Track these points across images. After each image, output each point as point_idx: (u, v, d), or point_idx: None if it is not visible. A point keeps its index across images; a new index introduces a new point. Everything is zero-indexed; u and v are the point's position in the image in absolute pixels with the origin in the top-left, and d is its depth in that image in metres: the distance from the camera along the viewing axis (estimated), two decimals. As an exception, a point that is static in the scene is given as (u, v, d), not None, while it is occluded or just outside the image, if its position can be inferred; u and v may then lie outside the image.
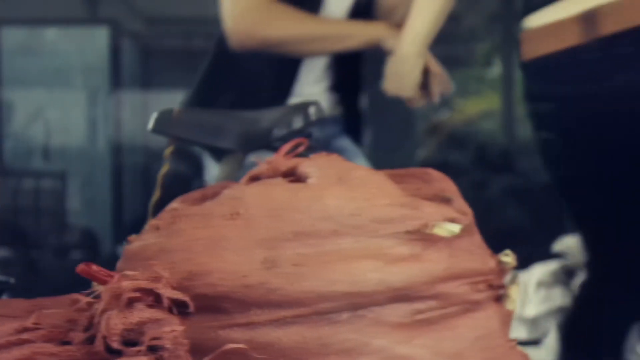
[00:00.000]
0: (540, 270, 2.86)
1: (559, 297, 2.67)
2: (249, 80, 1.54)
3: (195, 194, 1.01)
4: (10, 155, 5.27)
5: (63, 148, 5.24)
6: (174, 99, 5.47)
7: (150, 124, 1.33)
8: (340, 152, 1.21)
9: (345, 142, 1.59)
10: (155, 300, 0.76)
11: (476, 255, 1.03)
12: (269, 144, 1.28)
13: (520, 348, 1.09)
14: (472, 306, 1.01)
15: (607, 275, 1.62)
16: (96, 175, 5.32)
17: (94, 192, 5.12)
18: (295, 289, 0.89)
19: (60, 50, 5.43)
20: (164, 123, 1.32)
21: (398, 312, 0.94)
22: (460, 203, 1.03)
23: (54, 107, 5.35)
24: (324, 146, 1.33)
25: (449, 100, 5.21)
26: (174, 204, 0.98)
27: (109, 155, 5.26)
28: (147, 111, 5.10)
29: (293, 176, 1.02)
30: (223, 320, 0.89)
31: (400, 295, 0.94)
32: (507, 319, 1.07)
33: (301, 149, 1.10)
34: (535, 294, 2.75)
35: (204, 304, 0.89)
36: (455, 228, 0.98)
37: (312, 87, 1.52)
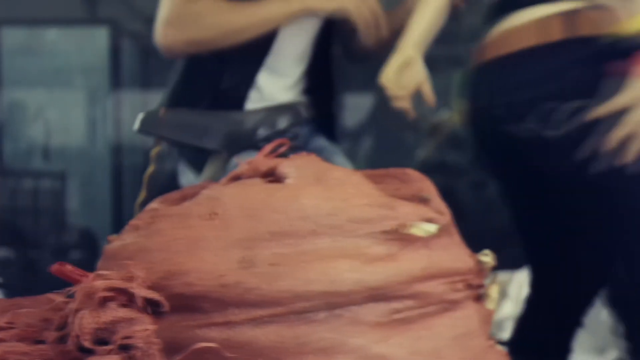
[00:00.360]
0: (535, 270, 2.86)
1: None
2: (221, 87, 1.53)
3: (175, 194, 1.02)
4: (10, 155, 5.28)
5: (63, 148, 5.24)
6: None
7: (136, 125, 1.34)
8: (319, 151, 1.22)
9: (323, 142, 1.59)
10: (129, 299, 0.77)
11: (454, 254, 1.04)
12: (254, 145, 1.29)
13: (500, 347, 1.10)
14: (450, 305, 1.01)
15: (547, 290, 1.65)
16: (96, 175, 5.32)
17: (94, 192, 5.13)
18: (272, 289, 0.90)
19: (60, 50, 5.44)
20: (150, 123, 1.33)
21: (375, 311, 0.95)
22: (438, 203, 1.03)
23: (54, 107, 5.35)
24: (303, 146, 1.34)
25: (449, 101, 5.20)
26: (154, 204, 0.99)
27: (109, 155, 5.27)
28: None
29: (273, 176, 1.03)
30: (201, 320, 0.90)
31: (378, 295, 0.94)
32: (486, 318, 1.08)
33: (283, 149, 1.11)
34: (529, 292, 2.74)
35: (182, 303, 0.90)
36: (432, 228, 0.98)
37: (287, 92, 1.51)
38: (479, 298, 1.08)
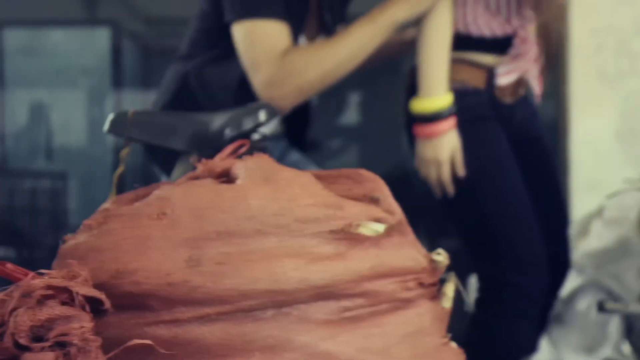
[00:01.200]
0: (524, 269, 2.87)
1: (542, 295, 2.68)
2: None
3: (129, 194, 1.04)
4: (12, 155, 5.32)
5: (64, 148, 5.28)
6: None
7: (106, 126, 1.36)
8: (294, 165, 1.23)
9: (297, 156, 1.63)
10: (70, 298, 0.79)
11: (406, 254, 1.05)
12: (221, 145, 1.31)
13: (455, 344, 1.11)
14: (402, 304, 1.03)
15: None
16: (97, 175, 5.35)
17: (95, 192, 5.16)
18: (217, 287, 0.92)
19: (61, 50, 5.48)
20: (119, 125, 1.35)
21: (325, 309, 0.96)
22: (389, 203, 1.05)
23: (55, 108, 5.39)
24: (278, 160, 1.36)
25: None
26: (106, 204, 1.01)
27: (110, 156, 5.30)
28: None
29: (227, 177, 1.05)
30: (149, 317, 0.92)
31: (325, 293, 0.96)
32: (442, 316, 1.09)
33: (243, 150, 1.13)
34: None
35: (131, 302, 0.92)
36: (380, 228, 1.00)
37: None
38: (435, 297, 1.10)
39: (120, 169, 1.36)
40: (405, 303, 1.04)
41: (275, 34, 1.53)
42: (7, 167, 5.18)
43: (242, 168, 1.01)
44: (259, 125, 1.34)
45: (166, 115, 1.37)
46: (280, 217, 0.96)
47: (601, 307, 1.78)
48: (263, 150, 1.32)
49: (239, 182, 0.99)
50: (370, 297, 1.00)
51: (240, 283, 0.92)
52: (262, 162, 1.02)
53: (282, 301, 0.94)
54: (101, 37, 5.35)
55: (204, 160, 1.07)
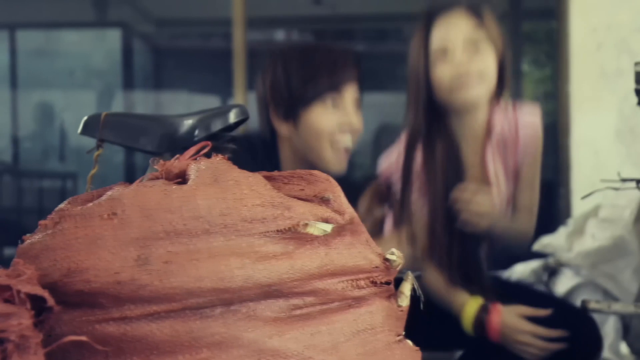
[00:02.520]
0: (521, 269, 2.87)
1: (537, 295, 2.69)
2: None
3: (85, 195, 1.07)
4: (24, 156, 5.37)
5: (76, 149, 5.34)
6: (184, 99, 5.54)
7: (80, 128, 1.38)
8: None
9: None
10: (13, 295, 0.81)
11: (358, 253, 1.07)
12: (190, 146, 1.33)
13: (410, 342, 1.13)
14: (354, 302, 1.05)
15: None
16: (109, 176, 5.40)
17: (106, 192, 5.20)
18: (164, 285, 0.94)
19: (73, 52, 5.53)
20: (92, 127, 1.37)
21: (274, 307, 0.99)
22: (340, 203, 1.07)
23: (67, 108, 5.44)
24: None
25: None
26: (62, 204, 1.04)
27: (121, 156, 5.35)
28: (159, 111, 5.19)
29: (183, 178, 1.07)
30: (99, 315, 0.94)
31: (273, 292, 0.98)
32: (397, 314, 1.10)
33: (204, 151, 1.15)
34: (514, 292, 2.76)
35: (81, 300, 0.95)
36: (328, 227, 1.02)
37: None
38: (391, 295, 1.11)
39: (93, 170, 1.38)
40: (357, 301, 1.05)
41: None
42: (18, 167, 5.25)
43: (194, 169, 1.03)
44: (229, 126, 1.36)
45: (137, 117, 1.39)
46: (227, 216, 0.98)
47: (584, 307, 1.78)
48: (232, 151, 1.35)
49: (189, 182, 1.01)
50: (320, 295, 1.01)
51: (186, 281, 0.94)
52: (213, 163, 1.04)
53: (229, 299, 0.96)
54: (112, 39, 5.40)
55: (161, 162, 1.09)
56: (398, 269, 1.12)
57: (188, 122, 1.33)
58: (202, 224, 0.97)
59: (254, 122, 1.70)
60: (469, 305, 1.87)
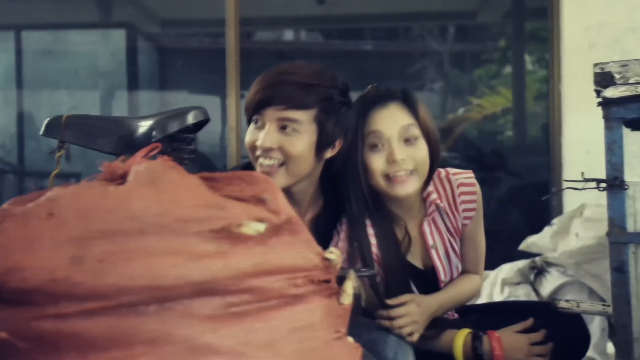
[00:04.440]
0: (507, 269, 2.88)
1: (523, 295, 2.70)
2: None
3: (29, 195, 1.10)
4: (31, 156, 5.42)
5: (81, 149, 5.36)
6: (189, 99, 5.57)
7: (42, 130, 1.42)
8: None
9: None
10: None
11: (296, 252, 1.09)
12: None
13: (351, 339, 1.15)
14: (292, 300, 1.07)
15: None
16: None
17: (110, 191, 5.24)
18: (98, 283, 0.97)
19: (79, 52, 5.57)
20: (54, 128, 1.41)
21: (209, 305, 1.01)
22: (277, 203, 1.09)
23: (72, 108, 5.48)
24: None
25: (473, 92, 5.24)
26: (6, 204, 1.07)
27: (127, 155, 5.37)
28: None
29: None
30: (35, 312, 0.97)
31: (207, 289, 1.01)
32: (338, 312, 1.13)
33: (154, 152, 1.18)
34: (500, 292, 2.78)
35: (19, 298, 0.98)
36: (261, 227, 1.04)
37: None
38: (333, 293, 1.14)
39: (55, 171, 1.42)
40: (295, 299, 1.08)
41: None
42: (23, 167, 5.29)
43: (133, 171, 1.06)
44: (187, 127, 1.39)
45: (97, 119, 1.43)
46: (161, 217, 1.00)
47: (554, 307, 1.79)
48: (192, 152, 1.38)
49: (125, 184, 1.04)
50: (256, 293, 1.04)
51: (119, 279, 0.97)
52: (152, 165, 1.07)
53: (163, 297, 0.99)
54: (117, 39, 5.44)
55: (105, 163, 1.12)
56: (337, 267, 1.14)
57: (145, 124, 1.36)
58: (137, 224, 1.00)
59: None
60: (457, 338, 1.92)
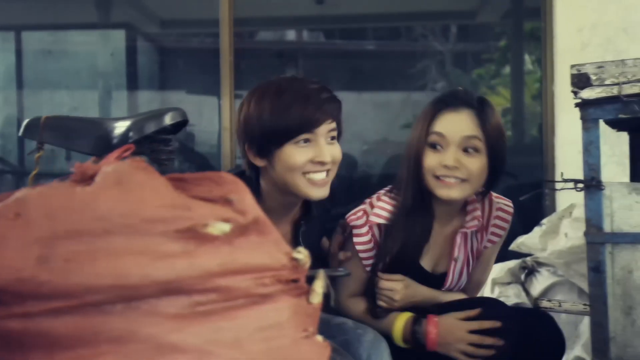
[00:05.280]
0: (497, 269, 2.89)
1: (513, 295, 2.71)
2: None
3: (0, 195, 1.11)
4: (32, 157, 5.43)
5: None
6: (187, 99, 5.59)
7: (21, 131, 1.44)
8: None
9: None
10: None
11: (263, 252, 1.10)
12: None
13: (320, 338, 1.16)
14: (259, 299, 1.08)
15: None
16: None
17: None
18: (64, 282, 0.99)
19: (78, 52, 5.59)
20: (33, 130, 1.43)
21: (176, 303, 1.03)
22: (243, 204, 1.10)
23: (72, 108, 5.50)
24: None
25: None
26: (-25, 205, 1.09)
27: (127, 155, 5.39)
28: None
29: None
30: (2, 311, 0.99)
31: (173, 288, 1.02)
32: (305, 311, 1.14)
33: (127, 153, 1.20)
34: (490, 292, 2.79)
35: (-13, 297, 1.00)
36: (226, 227, 1.06)
37: None
38: (302, 293, 1.15)
39: (34, 171, 1.43)
40: (263, 298, 1.09)
41: None
42: (24, 168, 5.32)
43: (102, 172, 1.08)
44: (164, 128, 1.41)
45: (75, 120, 1.45)
46: (127, 217, 1.02)
47: (536, 306, 1.80)
48: (170, 153, 1.39)
49: (92, 185, 1.05)
50: (223, 292, 1.05)
51: (85, 278, 0.99)
52: (119, 166, 1.08)
53: (129, 295, 1.00)
54: (117, 40, 5.46)
55: (77, 164, 1.14)
56: (306, 267, 1.16)
57: (122, 125, 1.38)
58: (103, 224, 1.01)
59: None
60: (398, 319, 1.94)
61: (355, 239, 2.01)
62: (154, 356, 1.01)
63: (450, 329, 1.91)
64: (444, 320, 1.93)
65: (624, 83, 1.46)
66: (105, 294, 0.99)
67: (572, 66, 1.56)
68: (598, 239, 1.54)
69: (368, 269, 2.04)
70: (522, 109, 5.07)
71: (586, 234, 1.57)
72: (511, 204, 2.12)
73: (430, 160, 1.95)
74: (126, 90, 5.43)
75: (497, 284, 2.78)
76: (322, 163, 1.83)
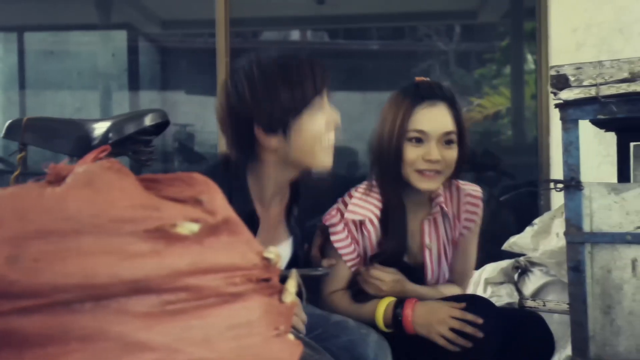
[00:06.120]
0: (490, 269, 2.89)
1: (506, 295, 2.71)
2: None
3: (-26, 196, 1.13)
4: (36, 157, 5.46)
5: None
6: (186, 99, 5.59)
7: (2, 132, 1.45)
8: None
9: None
10: None
11: (235, 251, 1.12)
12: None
13: (292, 337, 1.18)
14: (230, 298, 1.10)
15: None
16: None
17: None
18: (33, 282, 1.00)
19: (80, 53, 5.61)
20: (15, 131, 1.44)
21: (145, 302, 1.04)
22: (213, 204, 1.12)
23: (74, 108, 5.52)
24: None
25: (477, 91, 5.24)
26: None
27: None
28: (166, 110, 5.25)
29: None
30: (-28, 310, 1.01)
31: (142, 287, 1.03)
32: (275, 309, 1.16)
33: (102, 155, 1.22)
34: (483, 292, 2.79)
35: (-42, 296, 1.01)
36: (195, 227, 1.07)
37: None
38: (274, 292, 1.17)
39: (16, 172, 1.45)
40: (233, 297, 1.10)
41: None
42: (26, 169, 5.33)
43: (72, 173, 1.09)
44: (143, 129, 1.42)
45: (56, 122, 1.46)
46: (96, 217, 1.03)
47: (521, 305, 1.81)
48: (150, 154, 1.41)
49: (62, 185, 1.07)
50: (193, 291, 1.07)
51: (54, 278, 1.00)
52: (90, 167, 1.10)
53: (97, 294, 1.01)
54: (118, 40, 5.48)
55: (51, 165, 1.15)
56: (277, 266, 1.17)
57: (102, 126, 1.39)
58: (72, 224, 1.03)
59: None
60: (380, 303, 1.95)
61: (332, 237, 2.05)
62: (122, 354, 1.02)
63: (433, 309, 1.92)
64: (426, 303, 1.95)
65: (601, 84, 1.47)
66: (74, 293, 1.01)
67: (551, 67, 1.57)
68: (577, 238, 1.55)
69: (349, 264, 2.07)
70: (522, 109, 5.07)
71: (566, 233, 1.58)
72: (479, 189, 2.18)
73: (411, 154, 2.00)
74: (128, 91, 5.45)
75: (490, 283, 2.78)
76: (335, 124, 1.89)
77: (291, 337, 1.18)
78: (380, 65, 5.76)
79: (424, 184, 2.01)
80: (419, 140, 2.01)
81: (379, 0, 5.29)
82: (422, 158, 2.00)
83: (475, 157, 4.37)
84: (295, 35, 5.93)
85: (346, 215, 2.04)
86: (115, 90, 5.51)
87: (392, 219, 2.04)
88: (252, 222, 1.82)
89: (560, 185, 1.59)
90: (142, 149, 1.43)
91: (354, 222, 2.04)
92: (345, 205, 2.08)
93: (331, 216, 2.08)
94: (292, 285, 1.19)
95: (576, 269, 1.55)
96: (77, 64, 5.51)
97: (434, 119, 1.99)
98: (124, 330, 1.02)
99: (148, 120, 1.42)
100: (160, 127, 1.50)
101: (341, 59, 5.61)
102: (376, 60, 5.80)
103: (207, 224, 1.09)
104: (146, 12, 5.40)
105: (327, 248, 2.11)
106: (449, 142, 2.02)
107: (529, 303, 1.79)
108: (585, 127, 3.13)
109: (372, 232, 2.05)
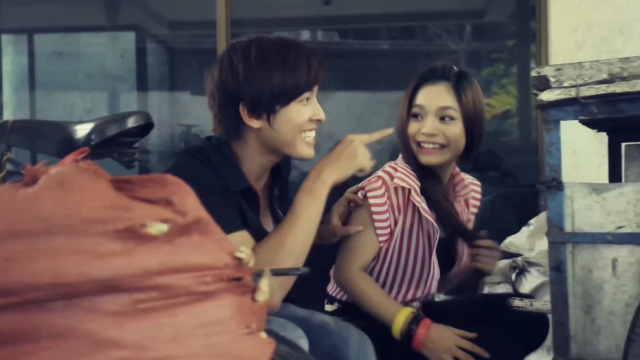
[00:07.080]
0: (488, 268, 2.89)
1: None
2: None
3: (-50, 197, 1.16)
4: (44, 157, 5.51)
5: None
6: (192, 100, 5.62)
7: (-12, 134, 1.49)
8: None
9: None
10: None
11: (206, 251, 1.14)
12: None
13: (265, 335, 1.20)
14: (200, 297, 1.12)
15: None
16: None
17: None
18: (4, 281, 1.03)
19: (89, 54, 5.66)
20: (0, 133, 1.47)
21: (116, 301, 1.07)
22: (183, 205, 1.14)
23: (83, 109, 5.56)
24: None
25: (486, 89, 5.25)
26: None
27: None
28: (174, 112, 5.29)
29: (44, 181, 1.15)
30: (-56, 309, 1.04)
31: (112, 286, 1.06)
32: (247, 308, 1.18)
33: (81, 156, 1.24)
34: (481, 291, 2.80)
35: None
36: (164, 227, 1.10)
37: None
38: (246, 291, 1.19)
39: (3, 173, 1.48)
40: (204, 296, 1.13)
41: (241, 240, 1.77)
42: (19, 169, 5.38)
43: (45, 174, 1.12)
44: (126, 131, 1.45)
45: (41, 124, 1.49)
46: (67, 218, 1.06)
47: (509, 305, 1.83)
48: (133, 155, 1.43)
49: (34, 186, 1.10)
50: (163, 290, 1.09)
51: (24, 277, 1.03)
52: (63, 168, 1.12)
53: (68, 293, 1.04)
54: (127, 41, 5.52)
55: (28, 166, 1.18)
56: (250, 265, 1.19)
57: (85, 128, 1.42)
58: (43, 224, 1.05)
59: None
60: (400, 314, 1.98)
61: (372, 201, 2.10)
62: (92, 351, 1.04)
63: (443, 337, 1.98)
64: (439, 327, 2.00)
65: (581, 85, 1.48)
66: (45, 292, 1.03)
67: (533, 69, 1.59)
68: (559, 238, 1.56)
69: (380, 232, 2.11)
70: (528, 108, 5.06)
71: (547, 233, 1.59)
72: (478, 182, 2.34)
73: (412, 128, 2.17)
74: (136, 92, 5.49)
75: (487, 283, 2.79)
76: (319, 121, 1.93)
77: (264, 335, 1.20)
78: (388, 65, 5.76)
79: (423, 157, 2.13)
80: (418, 116, 2.15)
81: (383, 1, 5.30)
82: (419, 131, 2.14)
83: (477, 157, 4.38)
84: (304, 35, 5.95)
85: (395, 180, 2.11)
86: (123, 92, 5.55)
87: (433, 192, 2.13)
88: (252, 197, 1.85)
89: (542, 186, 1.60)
90: (125, 151, 1.46)
91: (396, 190, 2.12)
92: (388, 174, 2.16)
93: (373, 182, 2.16)
94: (265, 284, 1.22)
95: (558, 269, 1.56)
96: (86, 66, 5.56)
97: (431, 95, 2.12)
98: (95, 328, 1.05)
99: (131, 122, 1.44)
100: (144, 129, 1.53)
101: (344, 59, 5.62)
102: (385, 60, 5.81)
103: (177, 224, 1.12)
104: (153, 14, 5.44)
105: (350, 219, 2.17)
106: (446, 118, 2.12)
107: (516, 302, 1.80)
108: (586, 128, 3.13)
109: (422, 202, 2.11)
